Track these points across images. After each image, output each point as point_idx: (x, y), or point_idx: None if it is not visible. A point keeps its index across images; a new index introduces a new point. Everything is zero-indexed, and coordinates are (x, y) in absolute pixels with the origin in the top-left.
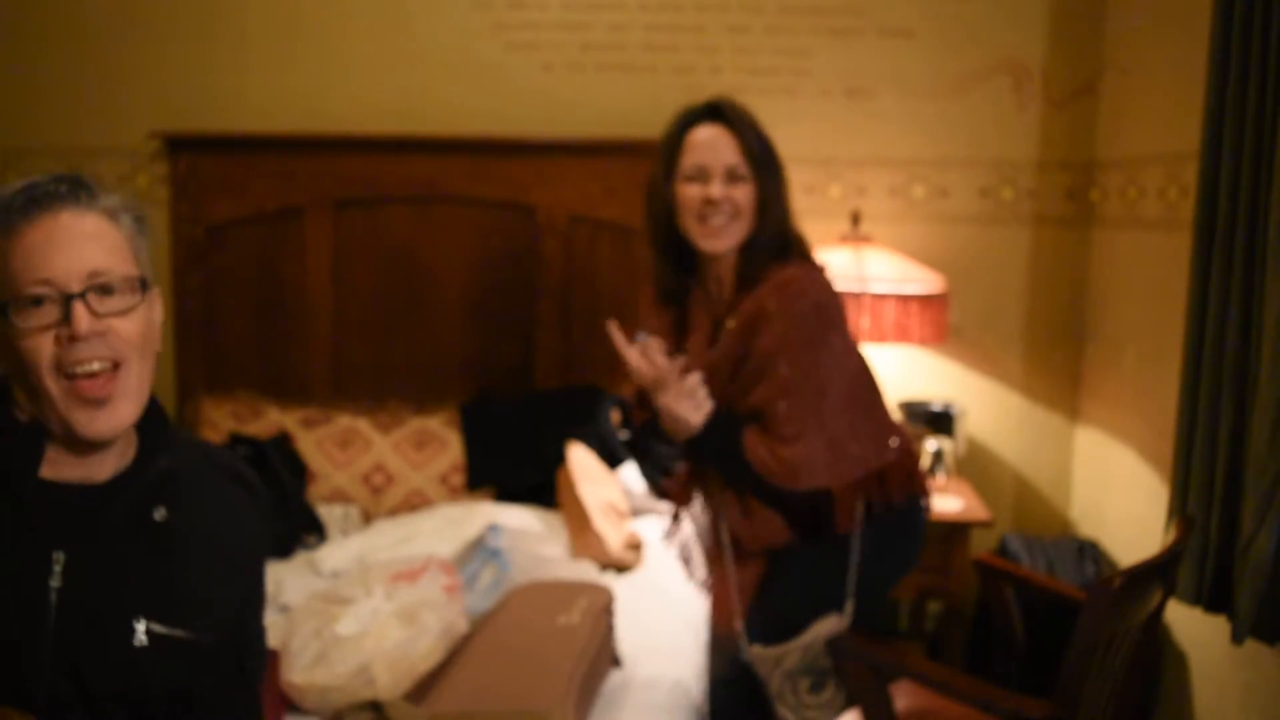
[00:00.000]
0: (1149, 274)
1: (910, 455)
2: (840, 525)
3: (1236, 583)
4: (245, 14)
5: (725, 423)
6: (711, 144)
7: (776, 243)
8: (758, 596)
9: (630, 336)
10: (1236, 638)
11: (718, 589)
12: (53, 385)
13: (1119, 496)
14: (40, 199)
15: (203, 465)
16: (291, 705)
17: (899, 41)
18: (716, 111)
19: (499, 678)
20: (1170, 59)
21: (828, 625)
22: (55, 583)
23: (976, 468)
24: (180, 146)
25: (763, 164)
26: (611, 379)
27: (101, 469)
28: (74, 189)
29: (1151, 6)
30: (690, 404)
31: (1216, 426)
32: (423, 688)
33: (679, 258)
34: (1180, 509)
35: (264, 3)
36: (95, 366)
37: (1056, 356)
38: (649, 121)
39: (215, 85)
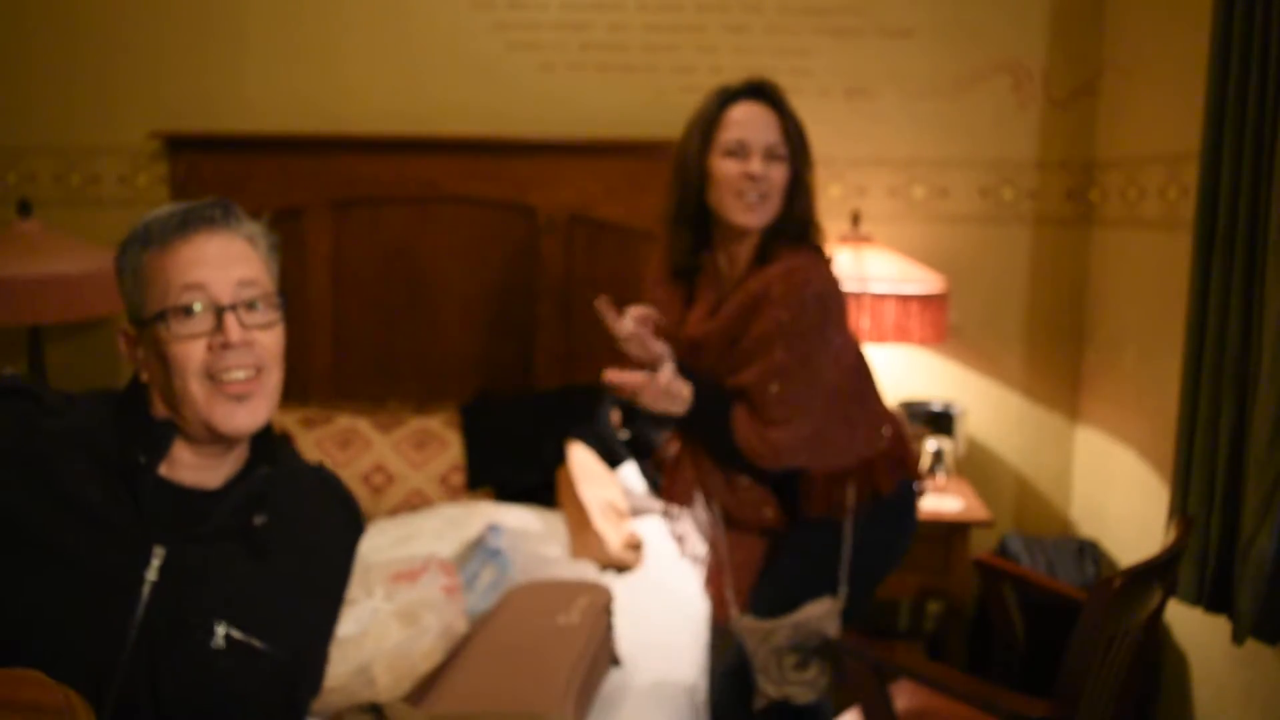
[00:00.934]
0: (1149, 274)
1: (902, 442)
2: (814, 509)
3: (1237, 583)
4: (245, 14)
5: (715, 400)
6: (753, 121)
7: (798, 228)
8: (757, 573)
9: (620, 313)
10: (1236, 638)
11: (712, 564)
12: (197, 388)
13: (1119, 496)
14: (194, 220)
15: (312, 484)
16: None
17: (899, 41)
18: (758, 90)
19: (498, 678)
20: (1170, 59)
21: (821, 607)
22: (151, 576)
23: (976, 468)
24: (180, 146)
25: (798, 146)
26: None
27: (216, 476)
28: (225, 214)
29: (1151, 6)
30: (668, 401)
31: (1216, 426)
32: (422, 688)
33: (698, 233)
34: (1180, 509)
35: (264, 3)
36: (241, 375)
37: (1056, 356)
38: (649, 121)
39: (215, 85)
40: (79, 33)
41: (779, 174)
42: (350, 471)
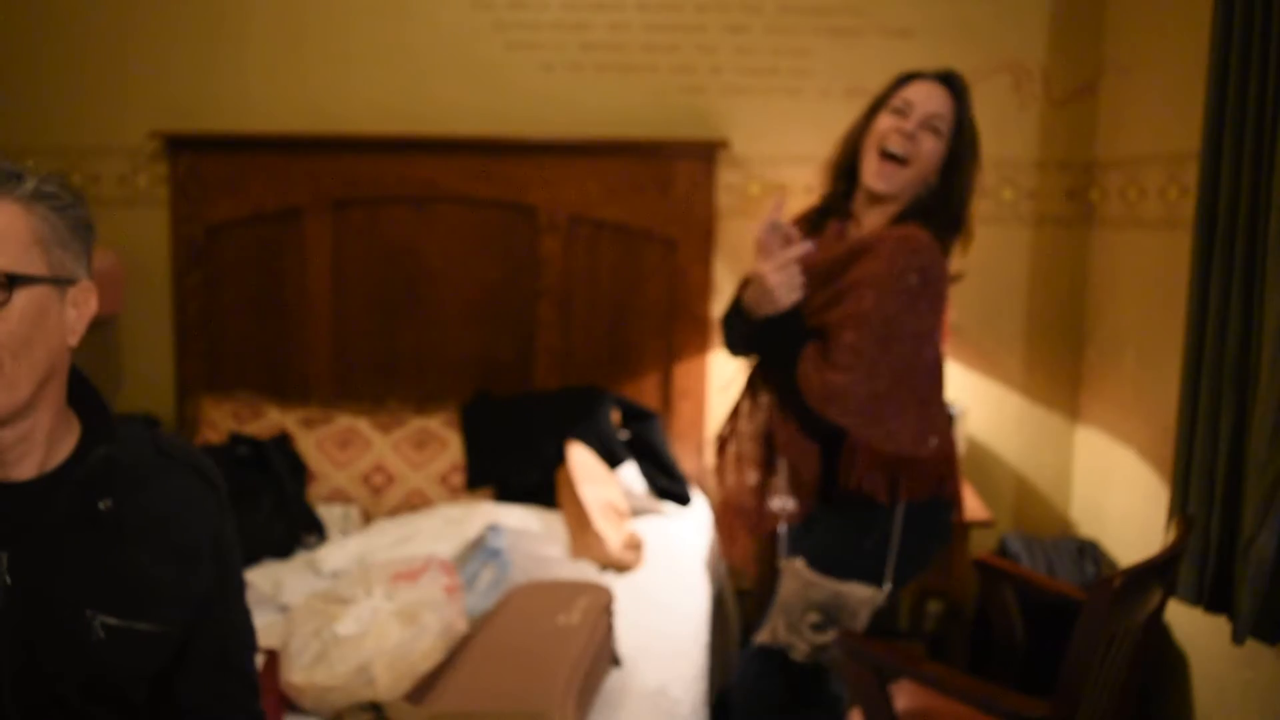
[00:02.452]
0: (1149, 274)
1: (946, 461)
2: (847, 480)
3: (1237, 583)
4: (245, 14)
5: (797, 325)
6: (926, 92)
7: (939, 209)
8: (807, 524)
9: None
10: (1237, 638)
11: (733, 496)
12: None
13: (1119, 496)
14: None
15: (153, 456)
16: (291, 705)
17: (899, 41)
18: (946, 78)
19: (498, 678)
20: (1170, 59)
21: (866, 594)
22: (3, 582)
23: (976, 468)
24: (180, 146)
25: (964, 134)
26: (611, 379)
27: (21, 468)
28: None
29: (1151, 6)
30: (785, 277)
31: (1216, 426)
32: (422, 688)
33: (846, 194)
34: (1180, 509)
35: (264, 3)
36: None
37: (1056, 356)
38: (649, 121)
39: (215, 85)
40: (78, 33)
41: (930, 145)
42: (350, 471)
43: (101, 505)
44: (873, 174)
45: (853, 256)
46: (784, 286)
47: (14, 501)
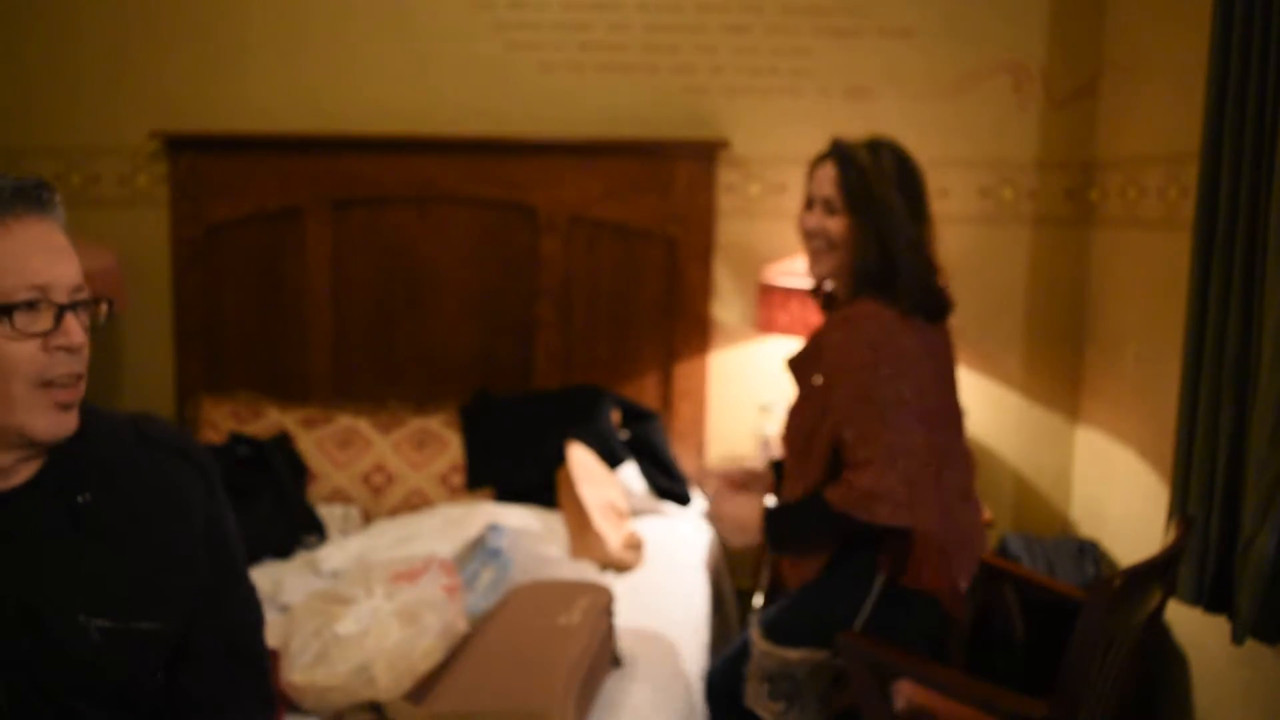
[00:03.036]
0: (1149, 274)
1: (943, 555)
2: (922, 577)
3: (1237, 583)
4: (246, 14)
5: (799, 509)
6: (819, 177)
7: (872, 278)
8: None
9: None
10: (1236, 638)
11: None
12: (21, 392)
13: (1119, 496)
14: (28, 200)
15: (134, 445)
16: (292, 705)
17: (899, 41)
18: (832, 148)
19: (499, 678)
20: (1170, 59)
21: (818, 657)
22: None
23: (977, 467)
24: (180, 146)
25: (858, 199)
26: (611, 379)
27: (16, 477)
28: (51, 198)
29: (1151, 6)
30: (736, 531)
31: (1216, 426)
32: (423, 687)
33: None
34: (1180, 509)
35: (264, 3)
36: (73, 381)
37: (1056, 356)
38: (649, 121)
39: (216, 85)
40: (78, 33)
41: (835, 226)
42: (350, 471)
43: (80, 499)
44: (807, 267)
45: (815, 353)
46: (734, 534)
47: (2, 510)
